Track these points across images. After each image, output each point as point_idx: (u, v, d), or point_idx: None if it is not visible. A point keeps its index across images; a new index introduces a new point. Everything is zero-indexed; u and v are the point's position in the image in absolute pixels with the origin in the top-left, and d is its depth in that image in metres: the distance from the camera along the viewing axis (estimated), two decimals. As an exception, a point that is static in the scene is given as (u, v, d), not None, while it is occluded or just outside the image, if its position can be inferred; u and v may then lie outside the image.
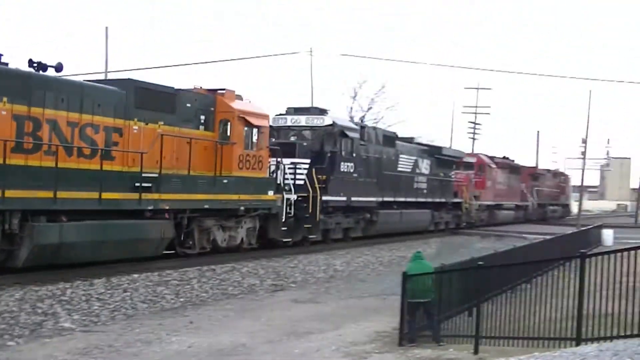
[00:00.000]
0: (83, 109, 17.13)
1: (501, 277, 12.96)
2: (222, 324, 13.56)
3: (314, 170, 26.17)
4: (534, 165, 66.50)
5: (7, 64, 15.80)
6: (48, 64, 16.89)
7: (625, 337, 8.85)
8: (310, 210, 25.94)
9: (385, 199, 31.54)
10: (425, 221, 36.20)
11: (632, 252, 9.16)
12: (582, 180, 50.40)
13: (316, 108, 30.15)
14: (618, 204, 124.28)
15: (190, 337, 12.10)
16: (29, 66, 16.56)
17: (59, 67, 17.19)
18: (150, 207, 18.40)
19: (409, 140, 37.12)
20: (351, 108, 74.26)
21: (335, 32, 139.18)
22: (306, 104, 38.94)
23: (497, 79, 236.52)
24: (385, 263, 25.22)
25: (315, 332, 13.05)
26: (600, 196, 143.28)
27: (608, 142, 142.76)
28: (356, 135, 29.32)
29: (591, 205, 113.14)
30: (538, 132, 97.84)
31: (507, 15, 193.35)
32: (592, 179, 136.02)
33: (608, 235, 34.13)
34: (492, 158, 48.18)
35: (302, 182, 25.71)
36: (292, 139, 27.47)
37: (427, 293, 11.68)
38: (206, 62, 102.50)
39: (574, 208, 68.38)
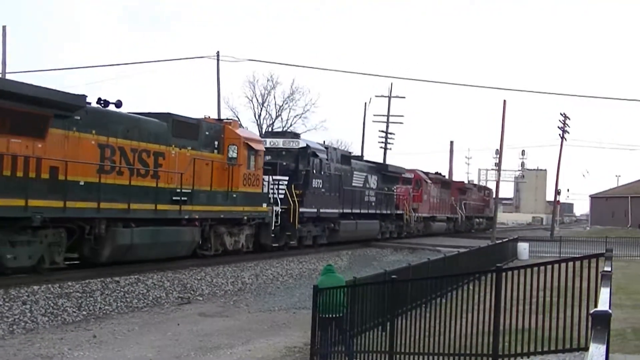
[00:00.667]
0: (140, 138, 22.81)
1: (415, 291, 13.03)
2: (126, 338, 13.56)
3: (292, 185, 32.37)
4: (462, 180, 73.70)
5: (89, 103, 21.37)
6: (110, 101, 22.52)
7: (542, 353, 9.15)
8: (290, 220, 32.12)
9: (345, 210, 38.05)
10: (375, 230, 42.85)
11: (548, 266, 9.43)
12: (497, 192, 54.48)
13: (290, 132, 36.56)
14: (533, 217, 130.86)
15: (93, 352, 12.05)
16: (97, 103, 22.12)
17: (118, 104, 22.88)
18: (186, 217, 24.24)
19: (359, 158, 43.82)
20: (259, 115, 75.07)
21: (243, 36, 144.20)
22: (212, 111, 44.98)
23: (412, 87, 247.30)
24: (295, 276, 26.42)
25: (224, 347, 13.03)
26: (516, 209, 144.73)
27: (523, 154, 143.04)
28: (324, 155, 35.82)
29: (506, 217, 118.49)
30: (452, 142, 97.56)
31: (423, 21, 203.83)
32: (507, 191, 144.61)
33: (524, 248, 35.41)
34: (426, 174, 55.10)
35: (282, 196, 31.85)
36: (267, 158, 32.75)
37: (339, 307, 11.69)
38: (107, 65, 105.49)
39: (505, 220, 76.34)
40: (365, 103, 73.83)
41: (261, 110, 75.61)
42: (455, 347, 9.92)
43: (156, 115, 24.45)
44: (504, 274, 9.71)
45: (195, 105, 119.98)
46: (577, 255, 9.94)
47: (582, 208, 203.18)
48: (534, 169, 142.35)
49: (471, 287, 11.23)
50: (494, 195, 77.20)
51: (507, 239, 36.10)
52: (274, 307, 18.86)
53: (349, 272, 24.35)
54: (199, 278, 22.18)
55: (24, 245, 18.22)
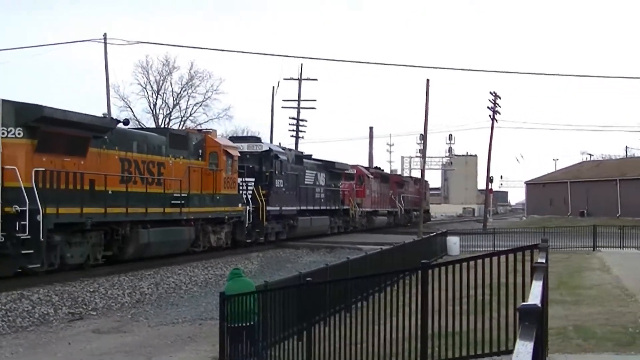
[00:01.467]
0: (148, 151, 28.47)
1: (335, 295, 12.72)
2: (10, 362, 12.76)
3: (259, 186, 38.41)
4: (399, 173, 78.60)
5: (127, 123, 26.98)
6: (119, 119, 28.09)
7: (476, 356, 8.95)
8: (260, 218, 38.14)
9: (301, 207, 44.32)
10: (326, 225, 49.13)
11: (479, 260, 9.05)
12: (422, 181, 55.18)
13: (252, 137, 42.73)
14: (464, 208, 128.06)
15: (-31, 383, 11.28)
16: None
17: (126, 122, 28.51)
18: (185, 217, 30.03)
19: (309, 157, 50.07)
20: (154, 105, 71.14)
21: (135, 17, 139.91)
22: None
23: (325, 68, 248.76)
24: (200, 283, 26.04)
25: (123, 367, 12.37)
26: (444, 199, 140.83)
27: (450, 138, 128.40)
28: (284, 157, 42.01)
29: (435, 209, 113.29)
30: (371, 128, 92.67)
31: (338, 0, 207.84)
32: (435, 180, 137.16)
33: (454, 243, 34.80)
34: (367, 169, 60.62)
35: (250, 196, 37.86)
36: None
37: (249, 315, 11.29)
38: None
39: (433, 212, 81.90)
40: (273, 87, 73.82)
41: (156, 99, 73.21)
42: (380, 354, 9.72)
43: (155, 130, 30.10)
44: (430, 271, 9.42)
45: (82, 94, 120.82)
46: (510, 248, 9.59)
47: (517, 196, 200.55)
48: (463, 155, 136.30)
49: (396, 288, 10.44)
50: (427, 187, 79.55)
51: (434, 233, 35.67)
52: (177, 319, 18.16)
53: (260, 277, 24.73)
54: (91, 290, 21.29)
55: (77, 246, 23.80)
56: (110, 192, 25.37)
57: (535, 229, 46.81)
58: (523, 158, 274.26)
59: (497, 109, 61.70)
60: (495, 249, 29.73)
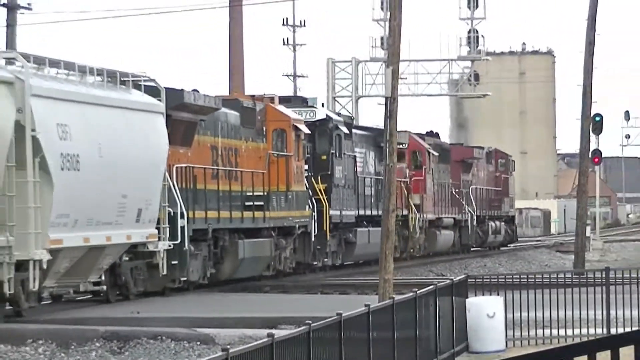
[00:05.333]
0: (228, 134, 30.71)
1: None
2: None
3: (319, 177, 36.70)
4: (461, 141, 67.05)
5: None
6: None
7: None
8: (324, 228, 36.49)
9: (360, 212, 40.38)
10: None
11: None
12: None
13: (298, 97, 42.20)
14: (519, 209, 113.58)
15: None
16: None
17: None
18: (266, 225, 32.48)
19: (354, 125, 44.04)
20: None
21: None
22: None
23: None
24: None
25: None
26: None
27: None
28: (345, 129, 38.64)
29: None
30: None
31: None
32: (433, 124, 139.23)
33: (489, 315, 21.76)
34: (423, 137, 49.95)
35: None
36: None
37: None
38: None
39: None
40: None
41: None
42: None
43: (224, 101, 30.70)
44: None
45: None
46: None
47: None
48: (510, 53, 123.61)
49: None
50: (513, 168, 64.63)
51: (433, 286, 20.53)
52: None
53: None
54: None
55: (195, 259, 27.26)
56: (202, 191, 28.19)
57: None
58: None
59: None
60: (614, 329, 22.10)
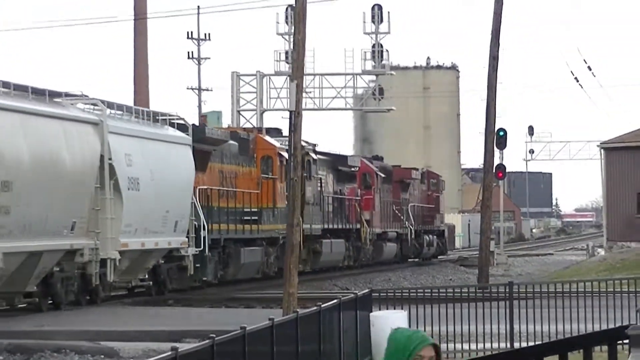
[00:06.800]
0: (229, 160, 37.99)
1: None
2: None
3: None
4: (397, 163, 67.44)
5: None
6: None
7: None
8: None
9: (325, 226, 47.27)
10: (341, 254, 49.60)
11: None
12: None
13: (274, 129, 48.33)
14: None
15: None
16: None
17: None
18: (260, 236, 39.88)
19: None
20: None
21: None
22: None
23: None
24: None
25: None
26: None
27: (377, 18, 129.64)
28: (314, 156, 45.53)
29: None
30: None
31: None
32: (336, 141, 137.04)
33: (392, 327, 15.31)
34: (371, 161, 57.86)
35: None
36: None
37: None
38: None
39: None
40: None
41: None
42: None
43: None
44: None
45: None
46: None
47: (577, 197, 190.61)
48: (414, 67, 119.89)
49: None
50: (443, 187, 72.12)
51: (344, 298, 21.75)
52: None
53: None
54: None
55: (211, 263, 33.87)
56: (216, 208, 35.20)
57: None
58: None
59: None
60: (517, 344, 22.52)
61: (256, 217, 38.36)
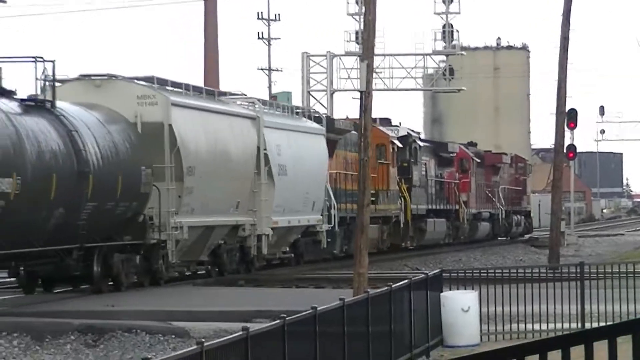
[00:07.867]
0: (351, 148, 42.75)
1: None
2: None
3: (402, 179, 48.46)
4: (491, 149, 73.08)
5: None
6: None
7: None
8: (406, 218, 51.04)
9: (429, 206, 53.24)
10: (443, 232, 55.14)
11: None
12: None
13: (384, 119, 51.61)
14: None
15: None
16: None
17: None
18: (376, 215, 44.51)
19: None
20: None
21: None
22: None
23: None
24: None
25: None
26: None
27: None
28: (421, 143, 52.73)
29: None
30: None
31: None
32: (406, 119, 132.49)
33: (463, 309, 21.97)
34: (467, 146, 62.32)
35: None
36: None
37: None
38: None
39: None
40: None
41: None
42: None
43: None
44: None
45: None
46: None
47: None
48: (484, 47, 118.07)
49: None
50: (529, 171, 77.46)
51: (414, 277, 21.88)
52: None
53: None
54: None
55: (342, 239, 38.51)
56: (342, 190, 39.71)
57: None
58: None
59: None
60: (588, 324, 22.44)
61: (374, 198, 42.57)
